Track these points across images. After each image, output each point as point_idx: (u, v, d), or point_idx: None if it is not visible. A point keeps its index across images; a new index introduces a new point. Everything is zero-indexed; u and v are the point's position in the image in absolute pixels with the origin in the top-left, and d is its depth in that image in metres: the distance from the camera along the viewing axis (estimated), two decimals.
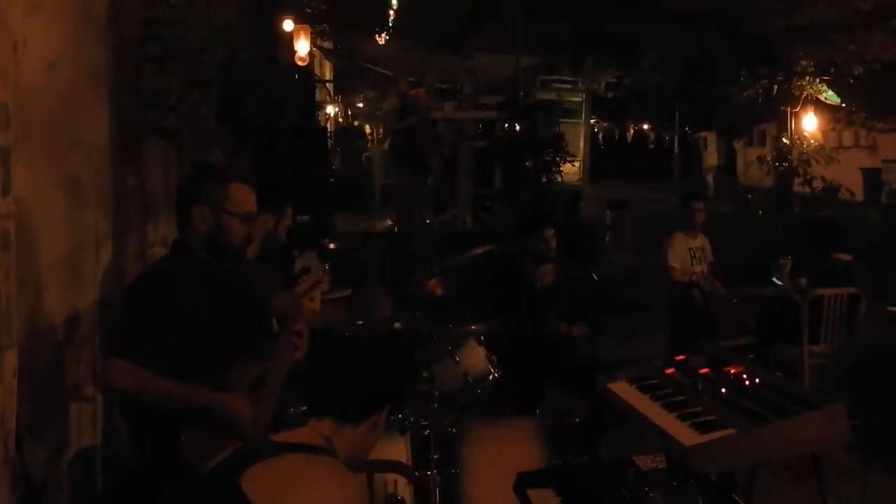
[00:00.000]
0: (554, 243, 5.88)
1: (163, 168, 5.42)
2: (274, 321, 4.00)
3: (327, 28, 14.77)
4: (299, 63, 9.79)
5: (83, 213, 4.29)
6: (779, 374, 2.77)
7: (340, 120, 23.75)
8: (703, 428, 2.43)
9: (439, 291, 5.35)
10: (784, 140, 14.26)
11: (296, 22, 10.69)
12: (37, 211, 3.66)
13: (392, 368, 2.54)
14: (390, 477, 3.91)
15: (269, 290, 4.02)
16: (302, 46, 10.48)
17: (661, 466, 2.68)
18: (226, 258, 3.55)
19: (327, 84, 19.23)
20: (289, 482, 2.19)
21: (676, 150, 33.06)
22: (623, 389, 2.94)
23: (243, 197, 3.56)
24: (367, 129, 23.20)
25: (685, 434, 2.44)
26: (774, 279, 7.47)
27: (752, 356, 7.06)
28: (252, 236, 3.68)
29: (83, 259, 4.29)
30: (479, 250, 5.32)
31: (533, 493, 2.77)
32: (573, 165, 13.80)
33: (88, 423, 4.29)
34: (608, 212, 16.21)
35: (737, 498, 2.40)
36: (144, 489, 3.35)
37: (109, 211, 4.65)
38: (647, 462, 2.75)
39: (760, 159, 15.44)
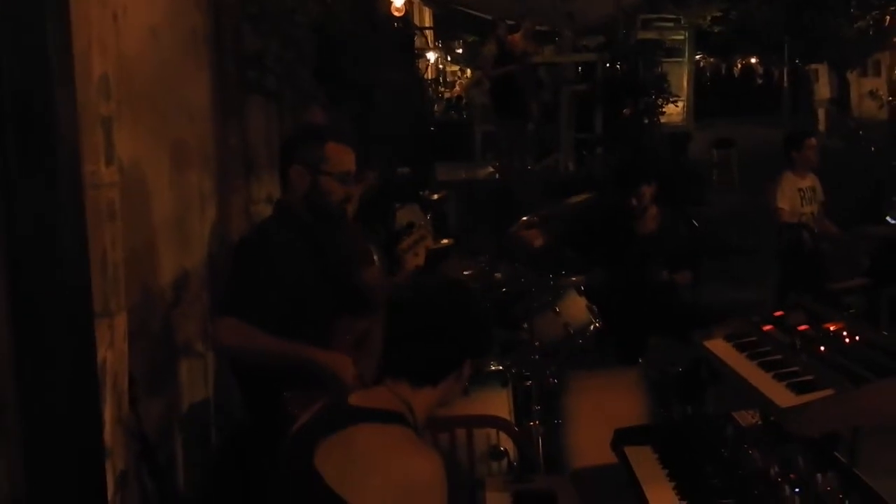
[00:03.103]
0: (646, 200, 5.79)
1: (264, 126, 5.51)
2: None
3: None
4: (395, 14, 9.80)
5: (188, 174, 4.40)
6: (882, 330, 2.69)
7: (441, 66, 23.71)
8: (799, 389, 2.37)
9: (539, 242, 5.35)
10: None
11: None
12: (144, 175, 3.77)
13: (471, 322, 2.40)
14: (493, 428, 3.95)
15: (362, 256, 4.09)
16: None
17: (760, 423, 2.65)
18: (325, 218, 3.60)
19: (426, 31, 19.17)
20: (360, 459, 2.17)
21: (786, 84, 31.96)
22: (719, 347, 2.89)
23: (340, 156, 3.58)
24: (469, 72, 23.11)
25: (781, 395, 2.38)
26: (888, 218, 7.24)
27: (864, 298, 6.93)
28: (351, 195, 3.71)
29: (190, 219, 4.41)
30: (576, 199, 5.28)
31: (630, 451, 2.76)
32: (676, 106, 13.47)
33: (200, 378, 4.44)
34: (714, 151, 15.87)
35: (839, 456, 2.36)
36: (253, 445, 3.47)
37: (213, 171, 4.76)
38: (747, 418, 2.72)
39: (872, 93, 14.84)
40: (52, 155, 2.40)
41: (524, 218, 5.43)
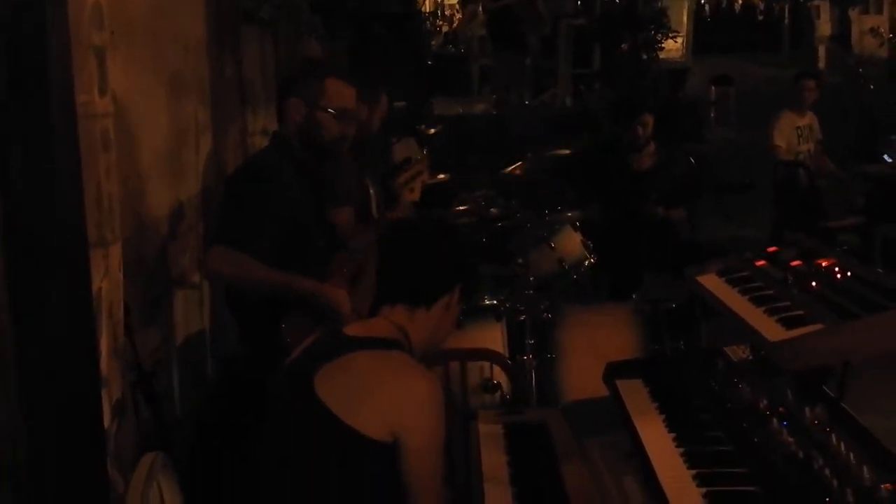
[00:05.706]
0: (649, 130, 5.77)
1: (259, 57, 5.47)
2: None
3: None
4: None
5: (183, 105, 4.37)
6: (874, 267, 2.70)
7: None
8: (790, 323, 2.39)
9: (535, 177, 5.37)
10: None
11: None
12: (138, 106, 3.74)
13: (458, 249, 2.52)
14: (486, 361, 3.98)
15: (347, 195, 4.09)
16: None
17: (751, 357, 2.67)
18: (319, 154, 3.58)
19: None
20: (360, 383, 2.24)
21: (787, 21, 31.62)
22: (711, 282, 2.91)
23: (340, 92, 3.53)
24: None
25: (771, 329, 2.40)
26: (885, 157, 7.24)
27: (858, 237, 6.97)
28: (348, 134, 3.66)
29: (184, 150, 4.39)
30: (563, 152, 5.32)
31: (621, 384, 2.78)
32: (675, 41, 13.32)
33: (196, 309, 4.46)
34: (713, 88, 15.75)
35: (827, 390, 2.38)
36: (249, 374, 3.50)
37: (209, 102, 4.73)
38: (737, 352, 2.75)
39: (874, 31, 14.70)
40: (45, 85, 2.37)
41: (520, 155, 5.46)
